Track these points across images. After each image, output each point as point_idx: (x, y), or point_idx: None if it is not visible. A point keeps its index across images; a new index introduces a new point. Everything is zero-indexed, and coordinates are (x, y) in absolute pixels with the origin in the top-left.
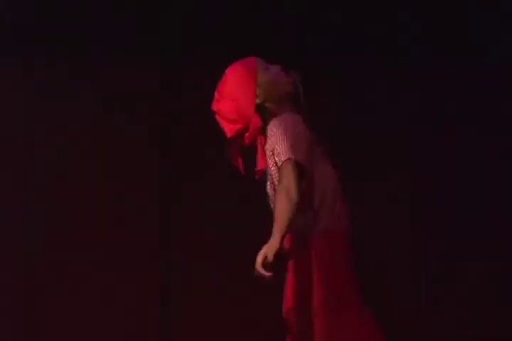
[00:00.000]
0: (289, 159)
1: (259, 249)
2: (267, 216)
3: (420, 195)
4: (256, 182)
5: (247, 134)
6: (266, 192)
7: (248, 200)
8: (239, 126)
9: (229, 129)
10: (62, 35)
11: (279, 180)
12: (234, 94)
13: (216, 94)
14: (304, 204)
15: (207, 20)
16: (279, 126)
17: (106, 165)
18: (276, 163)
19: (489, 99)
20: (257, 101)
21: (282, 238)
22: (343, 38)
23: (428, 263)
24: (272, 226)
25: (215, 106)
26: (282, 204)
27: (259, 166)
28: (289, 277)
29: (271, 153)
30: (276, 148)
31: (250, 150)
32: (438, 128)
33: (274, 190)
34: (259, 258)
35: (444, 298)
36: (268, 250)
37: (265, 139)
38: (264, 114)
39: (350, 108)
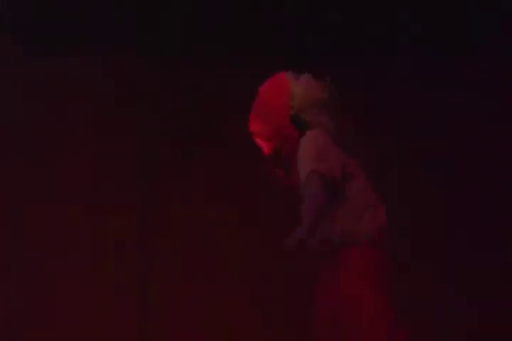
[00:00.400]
0: (313, 171)
1: None
2: None
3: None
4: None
5: (286, 145)
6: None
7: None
8: (275, 142)
9: (266, 147)
10: (62, 34)
11: (304, 189)
12: (268, 112)
13: (251, 114)
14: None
15: (207, 20)
16: (308, 142)
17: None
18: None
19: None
20: (292, 112)
21: (308, 232)
22: (342, 37)
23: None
24: None
25: (251, 127)
26: (308, 208)
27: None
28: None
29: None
30: (301, 161)
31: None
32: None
33: None
34: (290, 238)
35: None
36: (292, 237)
37: None
38: (300, 124)
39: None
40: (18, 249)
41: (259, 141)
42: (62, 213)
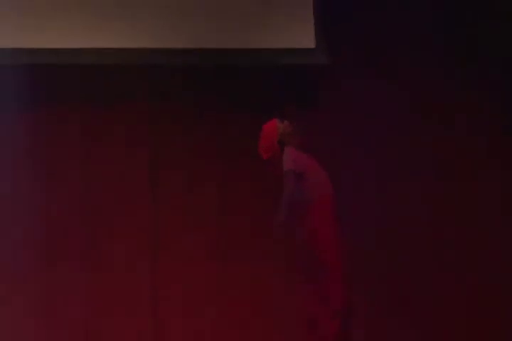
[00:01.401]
0: (289, 169)
1: None
2: None
3: None
4: None
5: (275, 155)
6: None
7: None
8: (270, 153)
9: (265, 156)
10: None
11: (285, 179)
12: (267, 138)
13: (259, 142)
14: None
15: None
16: (286, 154)
17: None
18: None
19: None
20: (278, 138)
21: (285, 211)
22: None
23: None
24: None
25: (258, 146)
26: (284, 194)
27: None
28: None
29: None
30: (285, 165)
31: None
32: None
33: None
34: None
35: None
36: (276, 218)
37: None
38: (282, 144)
39: None
40: None
41: (261, 152)
42: None
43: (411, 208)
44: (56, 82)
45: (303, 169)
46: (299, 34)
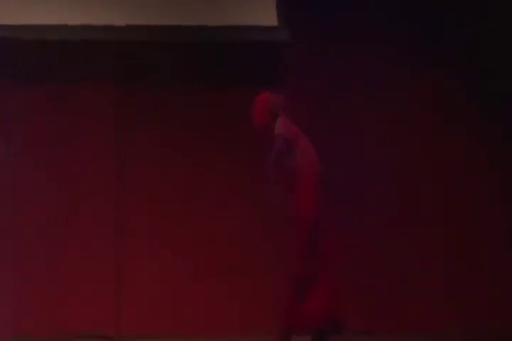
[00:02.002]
0: (279, 133)
1: None
2: None
3: None
4: None
5: (268, 123)
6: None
7: None
8: (263, 123)
9: (258, 125)
10: None
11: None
12: (261, 108)
13: (252, 112)
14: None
15: None
16: (278, 122)
17: None
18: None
19: None
20: (271, 109)
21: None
22: None
23: None
24: None
25: (252, 117)
26: (272, 153)
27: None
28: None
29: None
30: (276, 130)
31: None
32: None
33: None
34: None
35: None
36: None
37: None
38: (274, 114)
39: None
40: None
41: (254, 122)
42: None
43: (379, 168)
44: (22, 57)
45: (293, 136)
46: (262, 12)
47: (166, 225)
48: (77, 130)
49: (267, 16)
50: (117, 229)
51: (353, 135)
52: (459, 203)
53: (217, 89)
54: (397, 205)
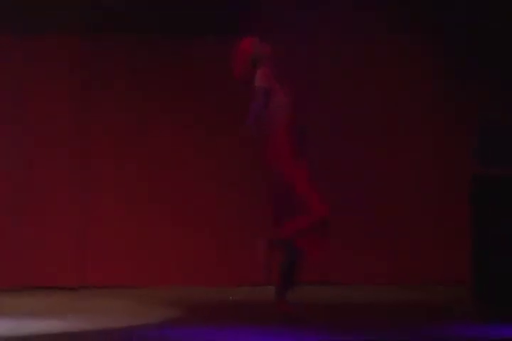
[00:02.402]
0: (259, 86)
1: None
2: None
3: None
4: None
5: (247, 72)
6: None
7: None
8: (242, 71)
9: (237, 75)
10: None
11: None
12: (241, 55)
13: (233, 58)
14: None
15: None
16: (258, 74)
17: None
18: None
19: None
20: (252, 57)
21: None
22: None
23: None
24: None
25: (233, 63)
26: (253, 104)
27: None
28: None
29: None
30: (256, 82)
31: None
32: None
33: None
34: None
35: None
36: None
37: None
38: (255, 62)
39: None
40: None
41: (234, 69)
42: None
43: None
44: None
45: (273, 87)
46: None
47: (132, 177)
48: (35, 79)
49: None
50: (83, 181)
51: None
52: None
53: (185, 39)
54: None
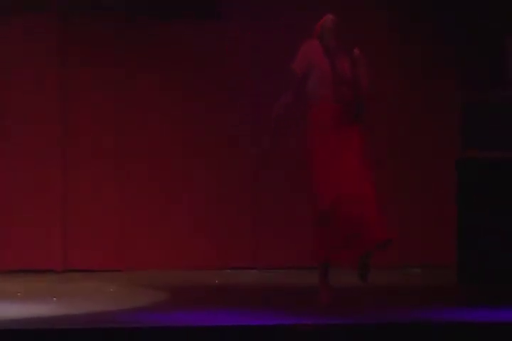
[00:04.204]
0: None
1: None
2: None
3: None
4: None
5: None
6: None
7: None
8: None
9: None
10: None
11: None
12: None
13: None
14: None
15: None
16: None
17: None
18: None
19: None
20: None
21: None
22: None
23: None
24: None
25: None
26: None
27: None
28: None
29: None
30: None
31: None
32: None
33: None
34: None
35: None
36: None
37: None
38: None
39: None
40: None
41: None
42: None
43: None
44: None
45: (309, 67)
46: None
47: (116, 157)
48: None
49: None
50: (64, 160)
51: None
52: None
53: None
54: None
